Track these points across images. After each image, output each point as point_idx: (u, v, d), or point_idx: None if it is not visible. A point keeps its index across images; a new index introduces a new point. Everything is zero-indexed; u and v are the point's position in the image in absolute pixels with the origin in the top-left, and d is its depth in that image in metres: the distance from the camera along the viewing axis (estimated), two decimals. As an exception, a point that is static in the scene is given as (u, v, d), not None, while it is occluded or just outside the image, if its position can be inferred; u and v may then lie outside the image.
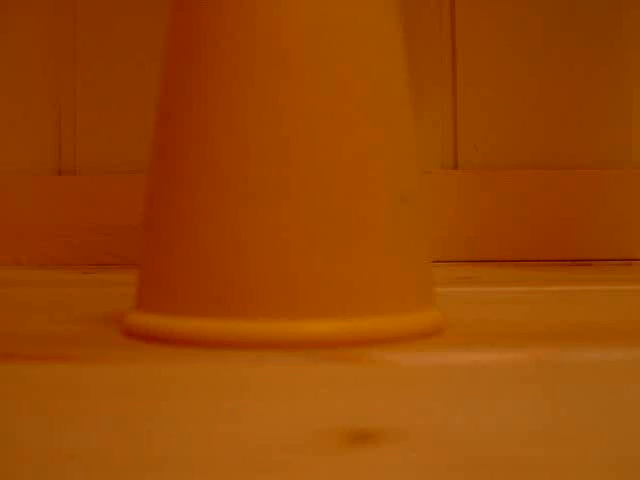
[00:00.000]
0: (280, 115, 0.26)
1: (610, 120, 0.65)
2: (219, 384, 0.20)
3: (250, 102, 0.26)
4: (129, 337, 0.26)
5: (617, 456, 0.14)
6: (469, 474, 0.13)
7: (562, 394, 0.18)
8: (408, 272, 0.26)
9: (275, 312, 0.24)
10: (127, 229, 0.65)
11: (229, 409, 0.17)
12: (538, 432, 0.15)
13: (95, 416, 0.17)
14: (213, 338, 0.24)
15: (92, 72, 0.68)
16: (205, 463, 0.14)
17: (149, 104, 0.67)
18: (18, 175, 0.67)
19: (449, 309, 0.31)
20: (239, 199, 0.25)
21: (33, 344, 0.26)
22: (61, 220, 0.66)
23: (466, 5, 0.65)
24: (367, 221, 0.26)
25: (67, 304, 0.38)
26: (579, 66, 0.65)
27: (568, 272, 0.52)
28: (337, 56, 0.26)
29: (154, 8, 0.67)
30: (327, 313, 0.24)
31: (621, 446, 0.14)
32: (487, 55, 0.65)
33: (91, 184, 0.66)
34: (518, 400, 0.18)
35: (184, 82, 0.27)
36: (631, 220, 0.63)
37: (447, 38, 0.65)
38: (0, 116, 0.68)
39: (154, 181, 0.29)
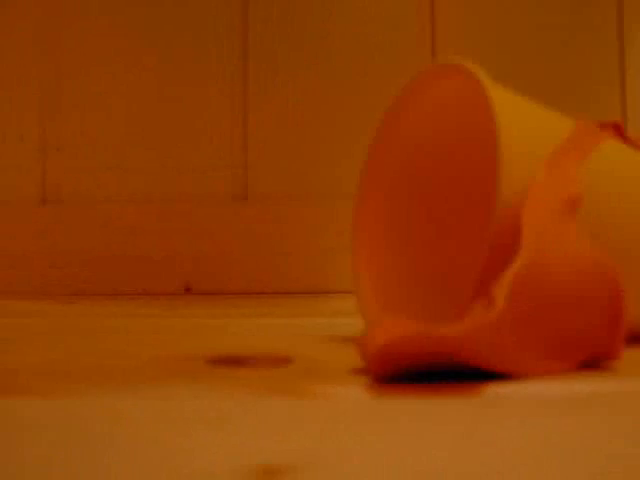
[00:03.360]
0: None
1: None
2: (163, 419, 0.20)
3: None
4: None
5: None
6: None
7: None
8: None
9: None
10: (109, 258, 0.65)
11: (165, 443, 0.17)
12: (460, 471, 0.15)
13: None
14: None
15: (78, 96, 0.68)
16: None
17: (136, 128, 0.67)
18: (1, 205, 0.67)
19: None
20: None
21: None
22: (44, 250, 0.66)
23: (447, 17, 0.66)
24: None
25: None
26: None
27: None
28: None
29: (144, 23, 0.68)
30: None
31: None
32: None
33: (76, 213, 0.66)
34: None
35: None
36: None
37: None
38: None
39: None
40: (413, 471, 0.16)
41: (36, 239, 0.66)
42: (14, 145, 0.68)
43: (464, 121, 0.32)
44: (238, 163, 0.66)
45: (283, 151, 0.66)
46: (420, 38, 0.66)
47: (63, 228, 0.66)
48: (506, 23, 0.66)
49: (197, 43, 0.67)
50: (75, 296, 0.63)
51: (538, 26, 0.66)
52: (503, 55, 0.66)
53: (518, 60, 0.66)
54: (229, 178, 0.66)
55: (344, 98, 0.66)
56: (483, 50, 0.66)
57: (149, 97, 0.67)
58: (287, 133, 0.66)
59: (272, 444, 0.18)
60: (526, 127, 0.28)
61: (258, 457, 0.17)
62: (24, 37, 0.68)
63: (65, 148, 0.68)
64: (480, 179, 0.33)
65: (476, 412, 0.21)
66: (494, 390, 0.23)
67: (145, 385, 0.25)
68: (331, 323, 0.41)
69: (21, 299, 0.61)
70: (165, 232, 0.65)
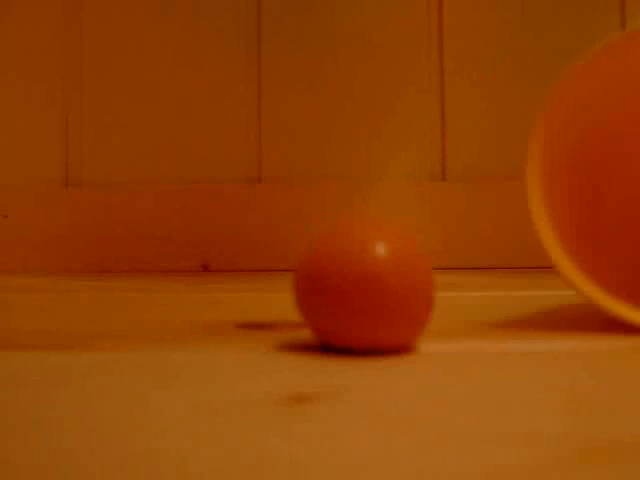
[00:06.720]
0: None
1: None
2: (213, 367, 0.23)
3: None
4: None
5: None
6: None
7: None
8: None
9: None
10: (129, 239, 0.67)
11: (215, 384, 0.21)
12: (480, 404, 0.19)
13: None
14: None
15: (99, 81, 0.70)
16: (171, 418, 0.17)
17: (155, 114, 0.70)
18: (26, 188, 0.70)
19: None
20: None
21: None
22: (68, 230, 0.68)
23: (454, 12, 0.68)
24: None
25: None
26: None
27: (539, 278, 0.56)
28: None
29: (162, 17, 0.70)
30: None
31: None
32: (475, 65, 0.68)
33: (98, 196, 0.69)
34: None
35: None
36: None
37: (435, 46, 0.68)
38: (7, 129, 0.71)
39: None
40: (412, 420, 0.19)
41: (60, 221, 0.69)
42: (38, 133, 0.71)
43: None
44: (253, 148, 0.69)
45: (295, 136, 0.69)
46: (426, 27, 0.68)
47: (85, 210, 0.68)
48: (514, 20, 0.68)
49: (213, 31, 0.69)
50: (98, 274, 0.66)
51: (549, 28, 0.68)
52: (510, 49, 0.68)
53: (526, 63, 0.68)
54: (244, 162, 0.69)
55: (355, 85, 0.68)
56: (491, 37, 0.68)
57: (168, 83, 0.70)
58: (299, 119, 0.68)
59: (300, 381, 0.21)
60: None
61: (288, 389, 0.20)
62: (47, 24, 0.71)
63: (86, 134, 0.70)
64: None
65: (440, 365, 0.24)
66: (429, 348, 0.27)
67: (186, 343, 0.28)
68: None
69: (47, 276, 0.63)
70: (183, 213, 0.67)
